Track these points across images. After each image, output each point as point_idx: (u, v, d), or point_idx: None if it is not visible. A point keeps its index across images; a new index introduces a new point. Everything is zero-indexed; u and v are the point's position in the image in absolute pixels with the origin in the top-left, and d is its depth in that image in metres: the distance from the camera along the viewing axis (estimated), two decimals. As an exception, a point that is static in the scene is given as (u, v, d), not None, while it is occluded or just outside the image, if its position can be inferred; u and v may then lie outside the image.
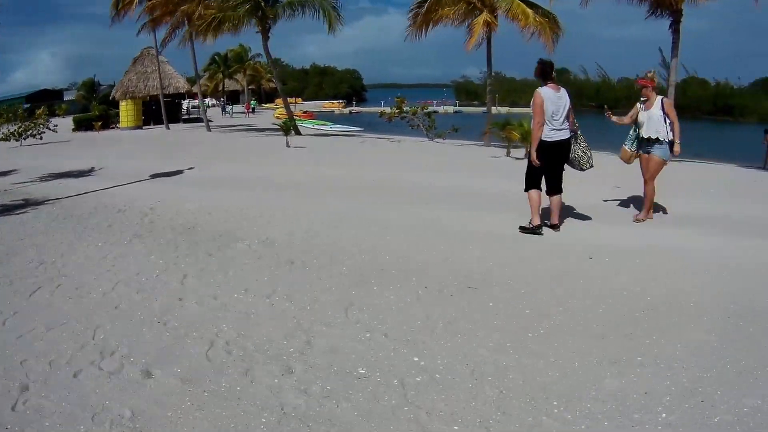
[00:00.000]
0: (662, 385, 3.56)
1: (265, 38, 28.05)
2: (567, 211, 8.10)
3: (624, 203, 9.04)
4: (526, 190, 7.22)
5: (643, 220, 7.97)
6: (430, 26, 24.36)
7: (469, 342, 4.19)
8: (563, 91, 6.92)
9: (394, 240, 6.99)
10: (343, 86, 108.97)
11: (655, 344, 4.13)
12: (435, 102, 64.49)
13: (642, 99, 7.92)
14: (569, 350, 4.07)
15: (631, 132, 8.12)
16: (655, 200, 8.13)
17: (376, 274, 5.65)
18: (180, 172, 12.96)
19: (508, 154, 17.16)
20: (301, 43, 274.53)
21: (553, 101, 6.86)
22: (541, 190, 7.19)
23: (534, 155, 6.99)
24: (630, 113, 8.18)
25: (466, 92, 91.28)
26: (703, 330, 4.33)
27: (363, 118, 52.65)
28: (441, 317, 4.63)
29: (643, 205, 8.12)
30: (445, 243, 6.79)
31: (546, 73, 6.94)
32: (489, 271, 5.78)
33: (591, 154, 7.27)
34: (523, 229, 7.21)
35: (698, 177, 13.07)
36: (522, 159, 14.37)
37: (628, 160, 8.26)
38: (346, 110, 72.59)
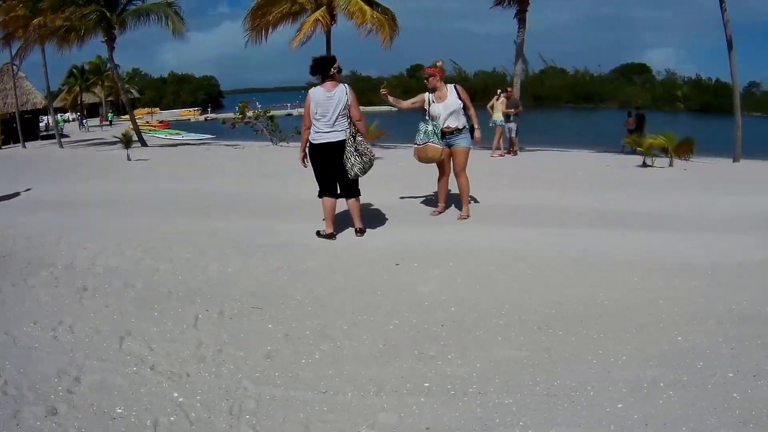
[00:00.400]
0: (449, 416, 3.13)
1: (111, 48, 28.24)
2: (375, 214, 7.96)
3: (432, 202, 8.86)
4: (319, 196, 6.95)
5: (467, 217, 7.87)
6: (270, 29, 24.42)
7: (235, 373, 3.73)
8: (338, 90, 6.59)
9: (184, 256, 6.36)
10: (200, 93, 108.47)
11: (449, 365, 3.71)
12: (289, 105, 64.88)
13: (429, 89, 7.77)
14: (344, 378, 3.58)
15: (425, 126, 7.78)
16: (470, 193, 8.14)
17: (162, 298, 5.11)
18: (17, 194, 11.79)
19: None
20: (160, 51, 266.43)
21: (321, 102, 6.59)
22: (333, 195, 6.90)
23: (300, 156, 6.98)
24: (412, 100, 8.05)
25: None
26: (513, 345, 3.98)
27: (217, 125, 52.37)
28: (213, 344, 4.13)
29: (462, 201, 8.01)
30: (241, 257, 6.23)
31: (319, 70, 6.70)
32: (282, 287, 5.28)
33: (366, 160, 6.75)
34: (318, 235, 6.92)
35: (543, 165, 13.44)
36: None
37: (437, 159, 7.88)
38: (202, 117, 71.58)
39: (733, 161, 21.16)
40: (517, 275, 5.38)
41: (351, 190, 6.91)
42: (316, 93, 6.60)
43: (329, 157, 6.67)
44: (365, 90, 73.06)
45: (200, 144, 30.46)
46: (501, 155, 18.57)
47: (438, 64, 7.79)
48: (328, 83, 6.58)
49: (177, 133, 37.95)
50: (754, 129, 62.93)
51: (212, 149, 24.19)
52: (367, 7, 22.23)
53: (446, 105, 7.65)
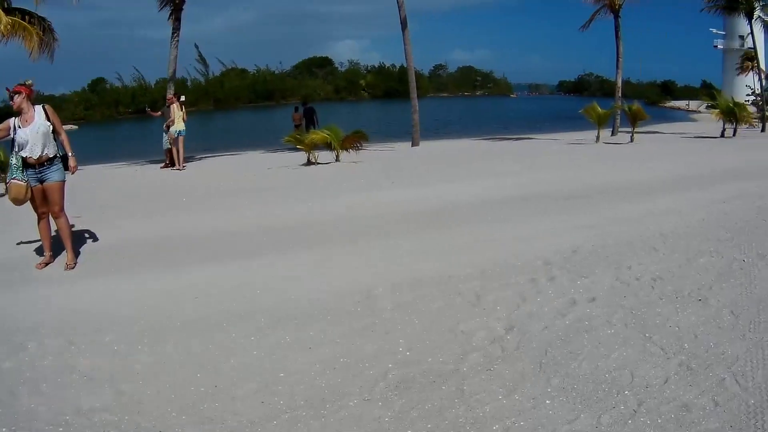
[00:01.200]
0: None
1: None
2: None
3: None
4: None
5: (73, 266, 7.28)
6: None
7: None
8: None
9: None
10: None
11: None
12: None
13: (15, 112, 6.86)
14: None
15: (13, 159, 6.92)
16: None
17: None
18: None
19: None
20: None
21: None
22: None
23: None
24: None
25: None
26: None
27: None
28: None
29: (65, 246, 7.38)
30: None
31: None
32: None
33: None
34: None
35: (203, 177, 14.38)
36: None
37: (24, 198, 7.08)
38: None
39: (412, 145, 23.15)
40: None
41: None
42: None
43: None
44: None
45: None
46: (174, 167, 18.30)
47: (28, 82, 6.97)
48: None
49: None
50: (439, 108, 69.28)
51: None
52: (5, 16, 19.64)
53: (32, 130, 6.77)
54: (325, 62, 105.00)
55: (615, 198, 11.40)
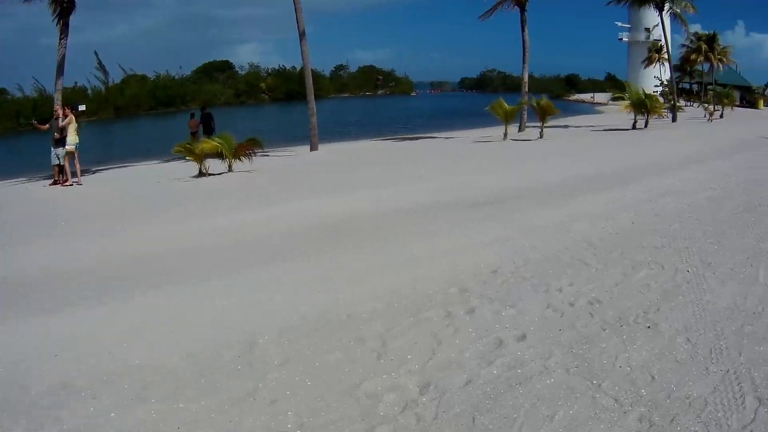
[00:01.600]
0: None
1: None
2: None
3: None
4: None
5: None
6: None
7: None
8: None
9: None
10: None
11: None
12: None
13: None
14: None
15: None
16: None
17: None
18: None
19: None
20: None
21: None
22: None
23: None
24: None
25: None
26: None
27: None
28: None
29: None
30: None
31: None
32: None
33: None
34: None
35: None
36: None
37: None
38: None
39: (311, 150, 23.26)
40: None
41: None
42: None
43: None
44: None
45: None
46: (63, 183, 17.44)
47: None
48: None
49: None
50: (340, 109, 73.16)
51: None
52: None
53: None
54: (225, 66, 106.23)
55: (532, 202, 10.77)
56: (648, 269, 6.75)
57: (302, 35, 24.74)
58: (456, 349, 4.76)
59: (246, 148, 16.86)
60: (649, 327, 5.21)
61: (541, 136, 25.78)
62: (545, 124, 27.03)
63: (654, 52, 73.43)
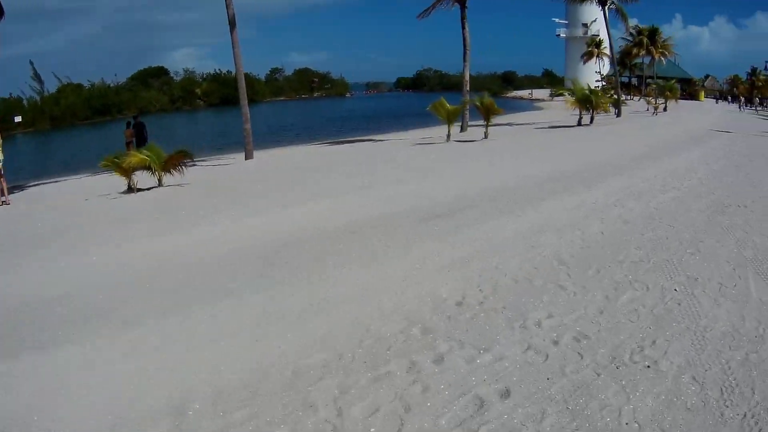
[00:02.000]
0: None
1: None
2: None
3: None
4: None
5: None
6: None
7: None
8: None
9: None
10: None
11: None
12: None
13: None
14: None
15: None
16: None
17: None
18: None
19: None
20: None
21: None
22: None
23: None
24: None
25: None
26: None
27: None
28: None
29: None
30: None
31: None
32: None
33: None
34: None
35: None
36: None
37: None
38: None
39: (246, 158, 22.99)
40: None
41: None
42: None
43: None
44: None
45: None
46: None
47: None
48: None
49: None
50: (276, 113, 74.71)
51: None
52: None
53: None
54: (160, 72, 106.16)
55: (488, 212, 10.11)
56: (632, 290, 6.16)
57: (233, 28, 23.68)
58: (429, 416, 3.98)
59: (176, 160, 16.02)
60: (648, 366, 4.60)
61: (486, 137, 25.30)
62: (489, 124, 26.57)
63: (593, 47, 74.99)
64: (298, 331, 5.53)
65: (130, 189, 14.82)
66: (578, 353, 4.81)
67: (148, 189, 14.90)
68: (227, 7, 23.50)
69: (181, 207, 12.05)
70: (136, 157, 15.19)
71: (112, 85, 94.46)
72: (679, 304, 5.78)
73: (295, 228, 9.67)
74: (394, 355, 4.91)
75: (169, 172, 15.74)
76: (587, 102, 30.00)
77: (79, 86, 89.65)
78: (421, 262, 7.44)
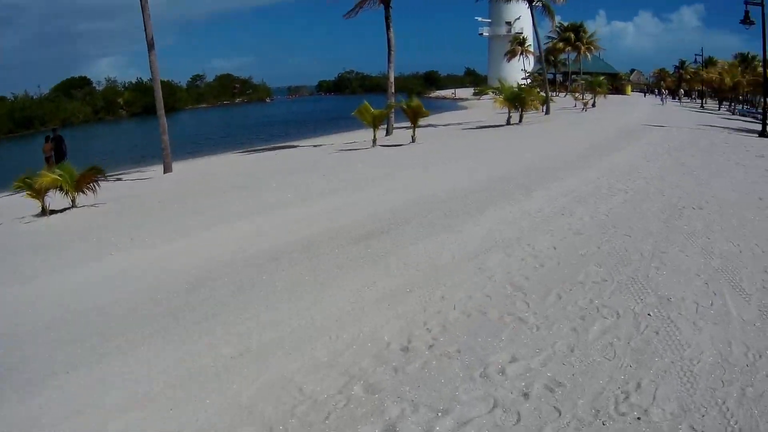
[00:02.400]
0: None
1: None
2: None
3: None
4: None
5: None
6: None
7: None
8: None
9: None
10: None
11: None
12: None
13: None
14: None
15: None
16: None
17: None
18: None
19: None
20: None
21: None
22: None
23: None
24: None
25: None
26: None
27: None
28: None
29: None
30: None
31: None
32: None
33: None
34: None
35: None
36: None
37: None
38: None
39: (164, 171, 22.67)
40: None
41: None
42: None
43: None
44: None
45: None
46: None
47: None
48: None
49: None
50: (197, 121, 76.61)
51: None
52: None
53: None
54: (83, 82, 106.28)
55: (424, 228, 9.41)
56: (601, 319, 5.54)
57: (151, 45, 23.23)
58: None
59: (88, 178, 15.29)
60: (639, 418, 3.99)
61: (413, 141, 24.78)
62: (416, 126, 26.07)
63: (516, 45, 76.11)
64: (218, 395, 4.66)
65: (44, 211, 14.00)
66: (554, 408, 4.11)
67: (62, 210, 14.03)
68: (145, 28, 22.82)
69: (93, 235, 11.01)
70: (47, 177, 14.48)
71: (35, 97, 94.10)
72: (657, 333, 5.19)
73: (213, 254, 8.79)
74: (334, 427, 4.10)
75: (82, 191, 15.02)
76: (516, 100, 29.83)
77: (2, 99, 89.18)
78: (356, 295, 6.62)
